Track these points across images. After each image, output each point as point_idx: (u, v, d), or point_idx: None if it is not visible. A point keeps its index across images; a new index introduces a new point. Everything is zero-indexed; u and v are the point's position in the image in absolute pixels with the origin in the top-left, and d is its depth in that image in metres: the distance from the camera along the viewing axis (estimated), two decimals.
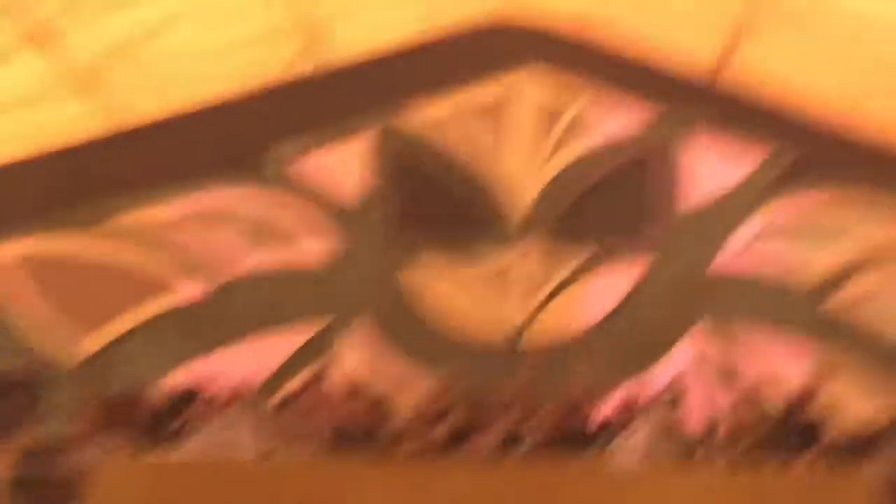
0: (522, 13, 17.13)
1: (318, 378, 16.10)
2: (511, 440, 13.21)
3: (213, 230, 17.10)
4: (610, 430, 14.03)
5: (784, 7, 14.78)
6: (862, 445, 14.57)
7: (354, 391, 14.69)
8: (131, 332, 16.70)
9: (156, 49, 15.40)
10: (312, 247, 17.19)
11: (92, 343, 16.60)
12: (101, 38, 14.94)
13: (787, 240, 16.97)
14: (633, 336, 16.93)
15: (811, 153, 16.83)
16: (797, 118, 16.83)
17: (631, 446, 13.15)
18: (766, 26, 15.49)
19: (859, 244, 16.78)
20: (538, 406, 13.78)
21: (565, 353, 16.83)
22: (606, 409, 15.10)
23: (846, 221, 16.79)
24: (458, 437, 13.12)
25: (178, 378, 15.19)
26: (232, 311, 16.92)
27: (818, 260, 16.89)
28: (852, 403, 15.43)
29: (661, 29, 16.36)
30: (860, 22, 14.30)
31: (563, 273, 17.12)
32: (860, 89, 15.95)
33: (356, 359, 16.91)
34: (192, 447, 12.50)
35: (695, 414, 15.34)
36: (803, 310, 16.78)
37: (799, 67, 16.20)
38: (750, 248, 17.01)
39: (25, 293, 16.57)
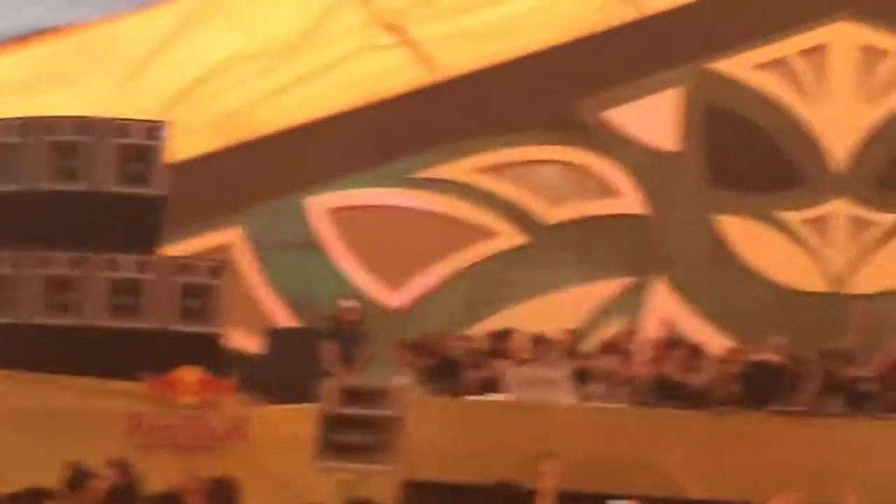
0: None
1: (633, 328, 16.07)
2: (831, 390, 12.91)
3: (532, 179, 17.21)
4: None
5: None
6: None
7: (669, 341, 14.60)
8: (447, 280, 16.98)
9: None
10: (628, 195, 17.12)
11: (411, 290, 16.96)
12: None
13: None
14: None
15: None
16: None
17: None
18: None
19: None
20: (866, 357, 13.42)
21: (892, 304, 16.34)
22: None
23: None
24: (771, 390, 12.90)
25: (493, 324, 15.35)
26: (549, 259, 17.00)
27: None
28: None
29: None
30: None
31: (886, 223, 16.59)
32: None
33: (672, 308, 16.81)
34: (507, 390, 12.68)
35: None
36: None
37: None
38: None
39: (348, 242, 17.04)
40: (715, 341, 14.95)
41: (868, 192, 16.71)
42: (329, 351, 13.50)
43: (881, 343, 14.53)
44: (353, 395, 11.49)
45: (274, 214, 16.97)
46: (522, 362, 13.32)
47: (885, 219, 16.62)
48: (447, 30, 16.07)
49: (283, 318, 16.64)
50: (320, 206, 17.08)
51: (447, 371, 13.31)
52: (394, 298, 16.99)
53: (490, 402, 12.72)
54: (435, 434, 11.92)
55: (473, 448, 11.99)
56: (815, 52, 16.95)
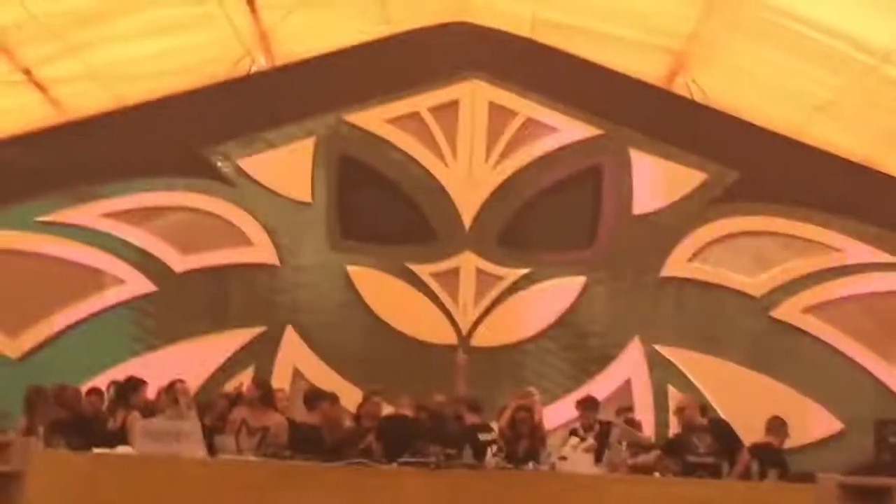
0: (476, 15, 17.08)
1: (261, 378, 15.94)
2: (456, 442, 13.10)
3: (162, 226, 16.93)
4: (559, 436, 14.00)
5: (731, 28, 14.86)
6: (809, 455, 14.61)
7: (298, 393, 14.54)
8: (72, 327, 16.49)
9: (106, 48, 15.22)
10: (260, 244, 17.05)
11: (34, 338, 16.39)
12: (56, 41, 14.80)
13: (725, 255, 17.03)
14: (579, 344, 16.91)
15: (753, 173, 16.91)
16: (741, 138, 16.91)
17: (580, 453, 13.08)
18: (713, 47, 15.58)
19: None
20: (486, 409, 13.71)
21: (512, 357, 16.80)
22: (554, 415, 15.06)
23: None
24: (404, 440, 12.99)
25: (121, 374, 14.94)
26: (178, 308, 16.76)
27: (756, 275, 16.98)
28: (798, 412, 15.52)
29: (610, 44, 16.40)
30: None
31: (510, 278, 17.06)
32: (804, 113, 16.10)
33: (304, 358, 16.79)
34: (134, 443, 12.31)
35: (644, 422, 15.37)
36: (744, 320, 16.85)
37: (744, 89, 16.31)
38: (691, 261, 17.04)
39: None
40: (346, 392, 14.94)
41: (493, 247, 17.14)
42: None
43: (501, 394, 14.97)
44: None
45: None
46: (151, 413, 13.01)
47: (507, 273, 17.08)
48: (76, 70, 15.59)
49: None
50: None
51: (76, 423, 12.85)
52: (14, 347, 16.37)
53: (115, 455, 12.30)
54: (60, 489, 11.43)
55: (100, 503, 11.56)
56: (447, 109, 17.34)
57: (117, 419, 13.10)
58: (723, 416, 15.12)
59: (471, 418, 13.49)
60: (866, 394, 16.59)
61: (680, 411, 13.44)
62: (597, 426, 13.78)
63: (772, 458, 13.30)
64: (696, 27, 15.20)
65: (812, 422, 16.28)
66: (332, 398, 13.76)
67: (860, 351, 16.71)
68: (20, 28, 14.24)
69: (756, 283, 16.98)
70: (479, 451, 12.69)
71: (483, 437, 13.02)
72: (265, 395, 13.15)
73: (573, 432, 13.87)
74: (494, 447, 12.79)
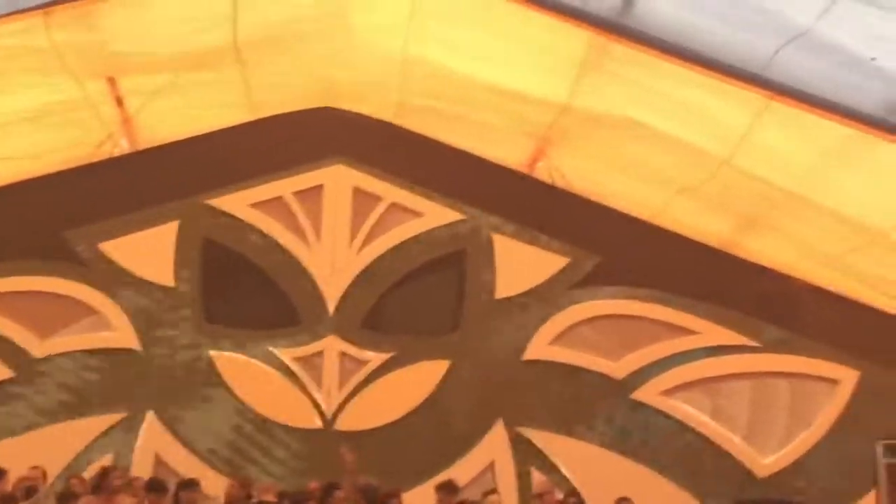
0: (341, 101, 17.18)
1: (120, 468, 15.72)
2: None
3: (21, 311, 16.66)
4: None
5: (591, 120, 15.18)
6: None
7: (159, 483, 14.33)
8: None
9: None
10: (122, 328, 16.85)
11: None
12: None
13: (588, 338, 17.24)
14: (443, 427, 16.94)
15: (614, 257, 17.18)
16: (602, 222, 17.19)
17: None
18: (574, 134, 15.87)
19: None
20: (358, 494, 13.63)
21: (377, 441, 16.76)
22: (418, 499, 15.01)
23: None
24: None
25: None
26: (36, 393, 16.48)
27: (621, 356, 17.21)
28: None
29: (473, 129, 16.61)
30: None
31: (375, 362, 17.06)
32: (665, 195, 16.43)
33: (164, 444, 16.58)
34: None
35: None
36: (605, 402, 17.04)
37: (604, 174, 16.61)
38: (553, 344, 17.21)
39: None
40: (208, 477, 14.78)
41: (357, 331, 17.14)
42: None
43: (365, 479, 14.92)
44: None
45: None
46: (9, 502, 12.73)
47: (372, 357, 17.08)
48: None
49: None
50: None
51: None
52: None
53: None
54: None
55: None
56: (312, 193, 17.36)
57: None
58: (586, 499, 15.24)
59: None
60: (726, 475, 16.83)
61: (539, 497, 13.54)
62: None
63: None
64: (556, 116, 15.46)
65: (670, 502, 16.46)
66: (191, 484, 13.61)
67: (720, 433, 16.97)
68: None
69: (618, 366, 17.18)
70: None
71: None
72: (98, 484, 12.94)
73: None
74: None
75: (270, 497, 13.70)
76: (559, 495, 15.22)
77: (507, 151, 17.02)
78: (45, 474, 14.09)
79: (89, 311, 16.84)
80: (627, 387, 17.15)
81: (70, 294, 16.79)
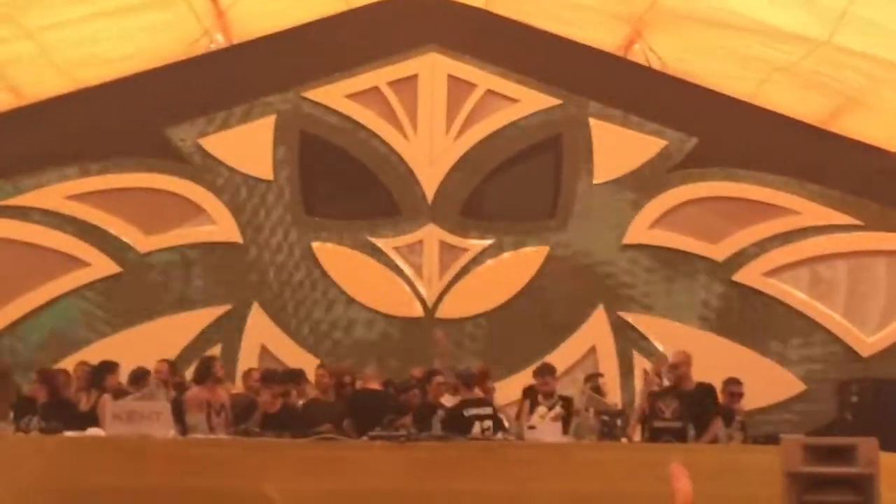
0: None
1: (231, 355, 16.04)
2: (425, 416, 13.20)
3: (125, 207, 16.92)
4: (524, 405, 14.10)
5: (685, 3, 15.03)
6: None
7: (269, 369, 14.60)
8: (38, 310, 16.49)
9: (62, 31, 15.19)
10: (223, 222, 17.07)
11: (3, 319, 16.38)
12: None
13: (687, 221, 17.17)
14: (543, 313, 17.03)
15: (712, 139, 17.04)
16: (699, 104, 17.04)
17: (548, 422, 13.19)
18: (670, 16, 15.69)
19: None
20: (451, 382, 13.79)
21: (478, 328, 16.90)
22: (521, 385, 15.15)
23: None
24: (374, 415, 13.08)
25: (88, 356, 14.96)
26: (145, 288, 16.79)
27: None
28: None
29: (566, 13, 16.47)
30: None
31: (474, 249, 17.15)
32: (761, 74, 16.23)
33: (270, 335, 16.85)
34: (105, 425, 12.35)
35: (610, 390, 15.47)
36: (706, 285, 17.00)
37: (701, 56, 16.43)
38: (653, 228, 17.18)
39: None
40: (313, 368, 15.01)
41: (456, 219, 17.23)
42: None
43: (467, 365, 15.06)
44: None
45: None
46: (121, 395, 13.05)
47: (470, 245, 17.17)
48: (31, 54, 15.56)
49: None
50: None
51: (50, 406, 12.89)
52: None
53: (87, 437, 12.34)
54: (30, 472, 11.48)
55: (71, 485, 11.59)
56: (407, 83, 17.38)
57: (88, 401, 13.14)
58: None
59: (465, 393, 13.41)
60: (828, 354, 16.79)
61: (674, 367, 13.54)
62: (557, 393, 13.85)
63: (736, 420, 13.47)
64: None
65: (774, 384, 16.46)
66: (298, 374, 13.86)
67: (821, 312, 16.90)
68: None
69: (718, 248, 17.13)
70: (466, 426, 12.75)
71: (469, 412, 13.04)
72: (203, 375, 13.19)
73: (539, 401, 13.96)
74: (487, 422, 12.78)
75: (375, 385, 13.89)
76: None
77: (602, 34, 16.89)
78: (170, 366, 14.35)
79: (191, 206, 17.07)
80: (728, 269, 17.10)
81: (172, 190, 17.03)
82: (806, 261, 17.04)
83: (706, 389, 13.50)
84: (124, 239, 16.92)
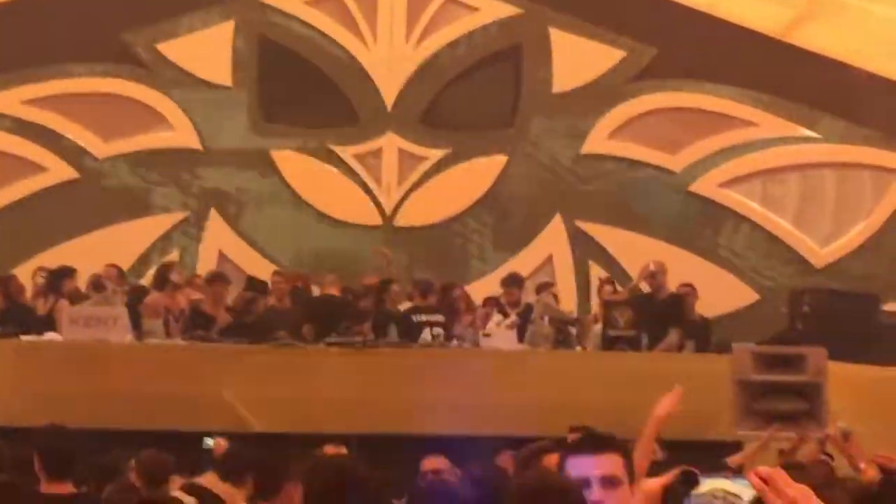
0: None
1: (189, 261, 16.08)
2: (382, 323, 13.32)
3: (82, 112, 16.83)
4: (480, 312, 14.23)
5: None
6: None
7: (223, 276, 14.65)
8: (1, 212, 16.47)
9: None
10: (182, 129, 17.01)
11: None
12: None
13: (645, 132, 17.22)
14: (501, 222, 17.11)
15: (671, 49, 17.05)
16: (658, 14, 17.02)
17: (504, 329, 13.32)
18: None
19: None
20: (413, 288, 13.89)
21: (436, 236, 16.97)
22: (477, 293, 15.27)
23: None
24: (328, 322, 13.18)
25: (45, 261, 14.97)
26: (99, 194, 16.75)
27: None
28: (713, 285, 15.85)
29: None
30: None
31: (433, 158, 17.18)
32: None
33: (228, 241, 16.87)
34: (62, 330, 12.41)
35: (565, 297, 15.62)
36: (662, 196, 17.11)
37: None
38: (611, 138, 17.23)
39: None
40: (271, 275, 15.07)
41: (415, 128, 17.23)
42: None
43: (425, 273, 15.17)
44: None
45: None
46: (79, 300, 13.09)
47: (429, 154, 17.19)
48: None
49: None
50: None
51: (7, 311, 12.94)
52: None
53: (45, 341, 12.41)
54: None
55: (27, 389, 11.67)
56: None
57: (45, 306, 13.18)
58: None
59: (421, 301, 13.52)
60: (781, 264, 16.97)
61: (651, 276, 13.66)
62: (522, 303, 13.98)
63: (695, 329, 13.64)
64: None
65: (728, 293, 16.62)
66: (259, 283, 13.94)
67: (775, 223, 17.05)
68: None
69: (675, 159, 17.22)
70: (415, 332, 12.88)
71: (418, 318, 13.17)
72: (161, 280, 13.26)
73: (498, 310, 14.09)
74: (437, 329, 12.90)
75: (334, 290, 13.98)
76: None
77: None
78: (118, 272, 14.38)
79: (149, 112, 17.00)
80: (684, 180, 17.20)
81: (130, 95, 16.94)
82: (761, 172, 17.15)
83: (672, 299, 13.65)
84: (81, 144, 16.85)
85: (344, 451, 8.82)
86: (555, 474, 4.36)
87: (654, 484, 2.54)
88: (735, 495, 2.13)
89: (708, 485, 2.38)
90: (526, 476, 4.47)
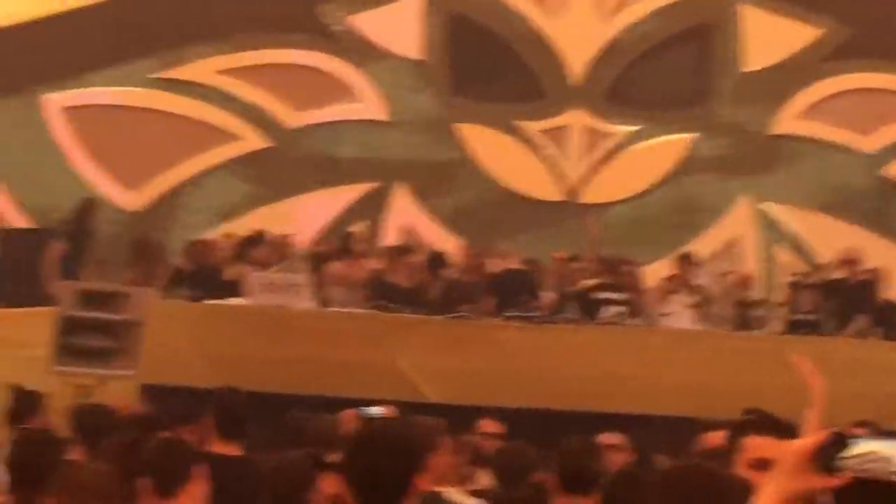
0: None
1: (372, 232, 16.25)
2: (563, 298, 13.31)
3: (275, 82, 17.09)
4: (662, 292, 14.11)
5: None
6: None
7: (407, 247, 14.80)
8: (187, 182, 16.81)
9: None
10: (370, 101, 17.17)
11: (151, 191, 16.71)
12: None
13: (837, 113, 16.85)
14: (686, 202, 16.92)
15: (866, 29, 16.63)
16: None
17: (682, 309, 13.21)
18: None
19: None
20: (592, 265, 13.84)
21: (620, 214, 16.86)
22: (660, 272, 15.15)
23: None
24: (509, 297, 13.22)
25: (234, 228, 15.28)
26: (291, 163, 16.98)
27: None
28: None
29: None
30: None
31: (619, 135, 17.06)
32: None
33: (413, 214, 16.99)
34: (248, 295, 12.67)
35: (749, 279, 15.36)
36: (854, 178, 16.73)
37: None
38: (801, 118, 16.90)
39: (85, 142, 16.68)
40: (454, 247, 15.16)
41: (602, 104, 17.12)
42: (55, 250, 13.32)
43: (607, 250, 15.09)
44: (91, 298, 11.27)
45: (6, 112, 16.48)
46: (265, 266, 13.34)
47: (617, 131, 17.08)
48: None
49: (17, 219, 16.22)
50: (57, 104, 16.68)
51: (196, 274, 13.24)
52: (133, 200, 16.73)
53: (230, 306, 12.69)
54: (175, 338, 11.84)
55: (214, 351, 11.94)
56: None
57: (233, 271, 13.45)
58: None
59: (604, 278, 13.48)
60: None
61: (850, 263, 13.43)
62: (699, 283, 13.84)
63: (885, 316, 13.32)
64: None
65: None
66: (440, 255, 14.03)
67: None
68: None
69: (868, 140, 16.82)
70: (595, 309, 12.86)
71: (600, 294, 13.13)
72: (344, 248, 13.43)
73: (676, 289, 13.96)
74: (618, 307, 12.85)
75: (515, 265, 14.00)
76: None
77: None
78: (298, 240, 14.61)
79: (340, 84, 17.19)
80: (878, 162, 16.80)
81: (321, 67, 17.15)
82: None
83: (862, 284, 13.38)
84: (273, 114, 17.10)
85: (499, 427, 8.69)
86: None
87: (805, 445, 2.51)
88: (886, 458, 2.09)
89: (860, 447, 2.33)
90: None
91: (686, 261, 14.16)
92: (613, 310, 12.73)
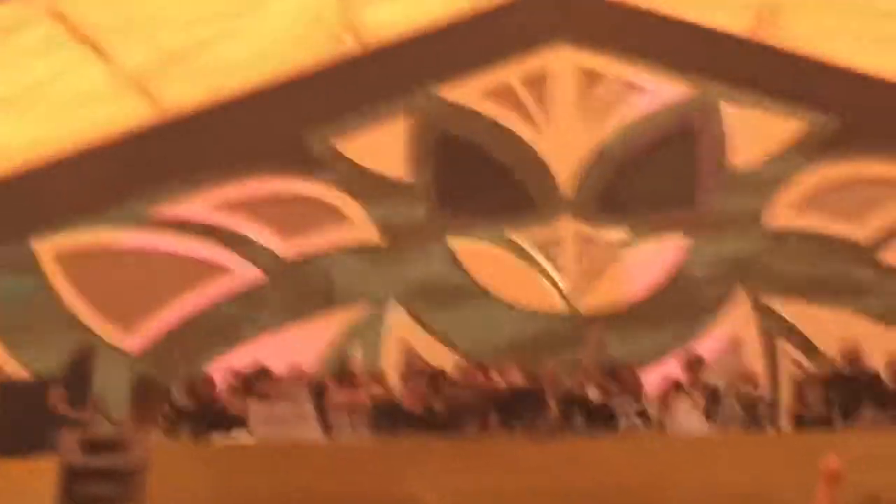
0: None
1: (372, 356, 16.17)
2: (569, 409, 13.20)
3: (265, 213, 17.13)
4: (667, 396, 14.00)
5: None
6: None
7: (411, 369, 14.71)
8: (184, 319, 16.77)
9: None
10: (362, 224, 17.19)
11: (148, 331, 16.67)
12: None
13: (829, 204, 16.90)
14: (685, 303, 16.89)
15: (853, 120, 16.72)
16: (837, 84, 16.73)
17: (692, 412, 13.10)
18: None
19: None
20: (594, 374, 13.75)
21: (619, 321, 16.81)
22: (662, 375, 15.06)
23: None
24: (514, 412, 13.12)
25: (238, 361, 15.21)
26: (286, 293, 16.97)
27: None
28: None
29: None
30: None
31: (612, 241, 17.07)
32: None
33: (411, 334, 16.94)
34: (254, 429, 12.55)
35: (755, 377, 15.26)
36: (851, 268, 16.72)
37: (834, 32, 16.13)
38: (794, 212, 16.93)
39: (79, 285, 16.67)
40: (453, 365, 15.06)
41: (592, 211, 17.15)
42: (56, 396, 13.25)
43: (609, 357, 15.02)
44: (93, 445, 11.19)
45: (1, 258, 16.53)
46: (267, 398, 13.24)
47: (609, 235, 17.09)
48: (171, 68, 15.91)
49: (11, 365, 16.16)
50: (50, 249, 16.70)
51: (198, 411, 13.15)
52: (129, 341, 16.68)
53: (235, 444, 12.56)
54: (182, 479, 11.71)
55: (222, 490, 11.81)
56: (537, 77, 17.36)
57: (236, 405, 13.33)
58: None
59: (610, 386, 13.40)
60: None
61: (848, 354, 13.34)
62: (703, 384, 13.74)
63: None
64: None
65: None
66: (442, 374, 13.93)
67: None
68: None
69: (863, 231, 16.84)
70: (591, 417, 12.75)
71: (608, 403, 13.03)
72: (342, 375, 13.35)
73: (682, 392, 13.85)
74: (632, 417, 12.76)
75: (518, 380, 13.89)
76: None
77: (729, 17, 16.64)
78: (301, 369, 14.52)
79: (329, 209, 17.22)
80: (874, 251, 16.79)
81: (310, 195, 17.19)
82: None
83: (868, 376, 13.29)
84: (266, 245, 17.12)
85: None
86: None
87: None
88: None
89: None
90: None
91: (695, 364, 14.06)
92: (621, 418, 12.63)
